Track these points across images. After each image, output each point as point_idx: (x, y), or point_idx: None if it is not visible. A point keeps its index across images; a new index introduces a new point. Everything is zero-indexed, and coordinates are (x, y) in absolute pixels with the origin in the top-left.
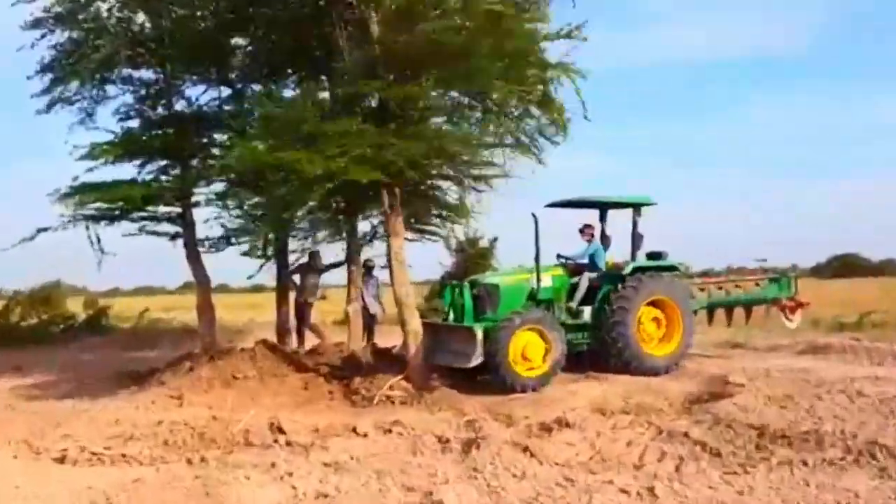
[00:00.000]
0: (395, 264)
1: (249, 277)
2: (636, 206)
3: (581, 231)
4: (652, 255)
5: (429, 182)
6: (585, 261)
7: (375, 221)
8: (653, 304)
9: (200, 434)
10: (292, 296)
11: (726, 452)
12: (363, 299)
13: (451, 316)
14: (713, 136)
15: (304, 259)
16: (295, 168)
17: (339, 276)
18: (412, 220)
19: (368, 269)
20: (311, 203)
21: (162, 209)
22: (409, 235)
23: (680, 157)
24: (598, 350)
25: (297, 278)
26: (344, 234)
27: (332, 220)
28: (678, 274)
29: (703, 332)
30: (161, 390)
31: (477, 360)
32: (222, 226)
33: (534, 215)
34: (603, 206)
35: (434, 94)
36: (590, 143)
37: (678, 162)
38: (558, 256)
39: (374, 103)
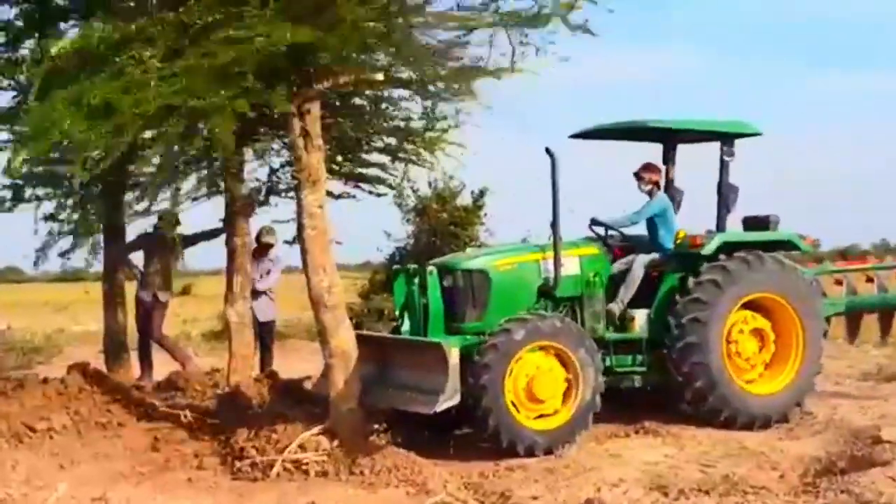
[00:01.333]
0: (311, 236)
1: (63, 255)
2: (726, 138)
3: (638, 176)
4: (752, 223)
5: (368, 92)
6: (641, 231)
7: (277, 162)
8: (753, 306)
9: None
10: (132, 290)
11: None
12: (253, 297)
13: (406, 325)
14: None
15: (150, 228)
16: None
17: (213, 257)
18: (340, 159)
19: (263, 246)
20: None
21: None
22: (335, 186)
23: (826, 52)
24: (659, 385)
25: (137, 260)
26: (222, 185)
27: (200, 160)
28: (797, 255)
29: (839, 353)
30: None
31: (448, 401)
32: (7, 167)
33: (549, 151)
34: (668, 138)
35: None
36: (669, 28)
37: (820, 59)
38: (592, 224)
39: None
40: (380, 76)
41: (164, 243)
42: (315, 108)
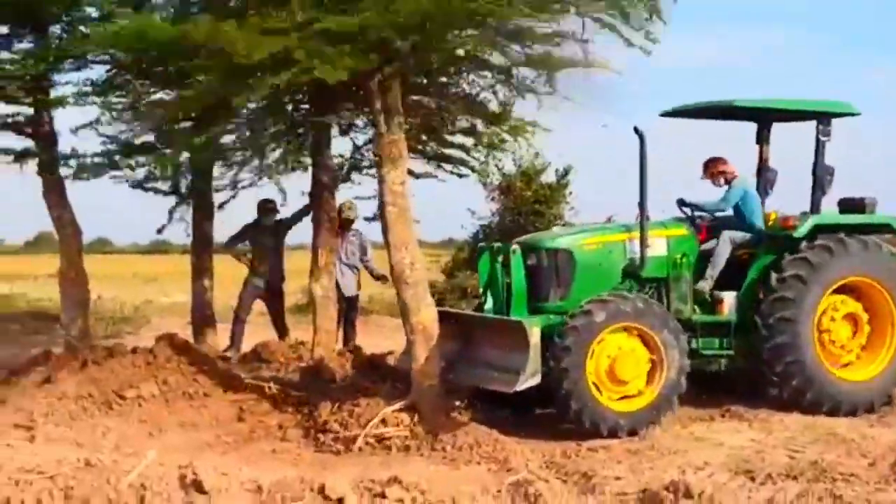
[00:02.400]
0: (392, 213)
1: (159, 230)
2: (823, 117)
3: (706, 173)
4: (848, 205)
5: (452, 70)
6: (728, 212)
7: (361, 139)
8: (846, 290)
9: (65, 490)
10: (219, 263)
11: None
12: (339, 272)
13: (490, 303)
14: None
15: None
16: (222, 49)
17: (296, 233)
18: (424, 139)
19: (345, 221)
20: (250, 104)
21: (1, 108)
22: (418, 166)
23: None
24: (746, 369)
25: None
26: (308, 160)
27: (286, 133)
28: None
29: None
30: None
31: (530, 380)
32: (101, 135)
33: (638, 130)
34: (762, 117)
35: None
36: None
37: None
38: (681, 204)
39: None
40: (461, 52)
41: (267, 230)
42: (396, 85)
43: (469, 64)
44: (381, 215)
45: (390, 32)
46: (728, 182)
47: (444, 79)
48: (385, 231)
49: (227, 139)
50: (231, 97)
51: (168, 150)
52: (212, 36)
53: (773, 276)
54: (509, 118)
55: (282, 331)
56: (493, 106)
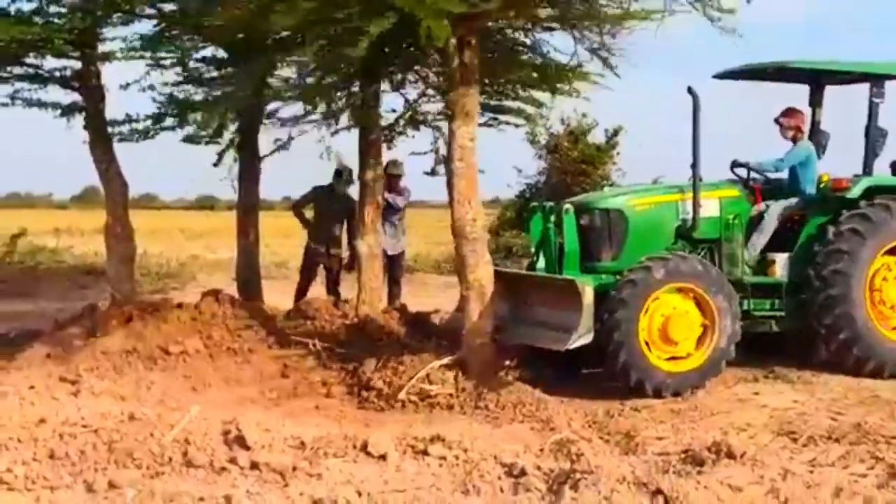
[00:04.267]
0: (460, 168)
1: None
2: (877, 79)
3: (779, 123)
4: None
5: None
6: (783, 175)
7: (413, 94)
8: None
9: (109, 444)
10: (265, 219)
11: None
12: (383, 230)
13: (541, 262)
14: None
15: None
16: None
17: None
18: (490, 93)
19: (391, 178)
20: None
21: (49, 63)
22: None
23: None
24: (797, 331)
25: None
26: (358, 115)
27: (339, 86)
28: None
29: None
30: (45, 369)
31: (582, 338)
32: (151, 90)
33: (692, 91)
34: (815, 79)
35: None
36: None
37: None
38: (734, 166)
39: None
40: (545, 13)
41: (338, 199)
42: (474, 42)
43: (538, 20)
44: (447, 169)
45: None
46: (795, 140)
47: (521, 35)
48: (450, 186)
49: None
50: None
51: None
52: None
53: (831, 229)
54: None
55: (336, 294)
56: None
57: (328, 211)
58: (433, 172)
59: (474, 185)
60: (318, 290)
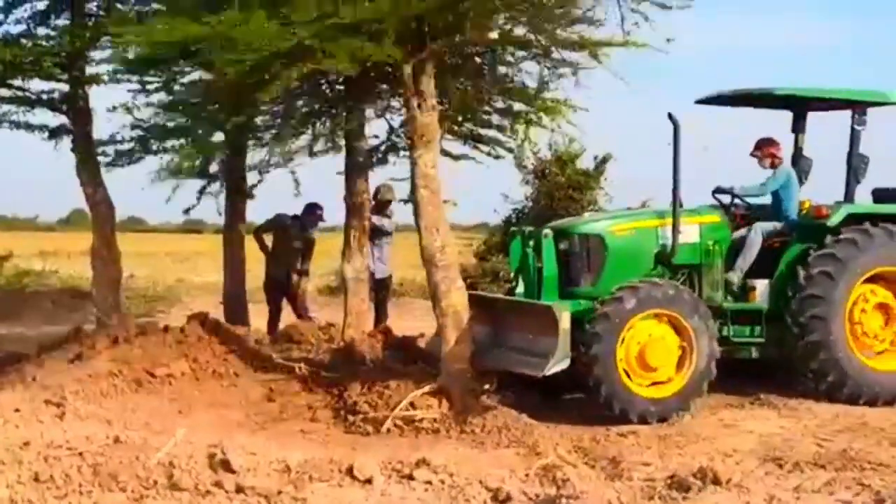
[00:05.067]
0: (424, 195)
1: (186, 211)
2: (858, 106)
3: (758, 151)
4: (883, 195)
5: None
6: (765, 200)
7: (397, 121)
8: (878, 279)
9: (94, 467)
10: (251, 243)
11: None
12: (370, 254)
13: (521, 287)
14: None
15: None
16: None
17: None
18: (460, 120)
19: (382, 203)
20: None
21: (37, 85)
22: (455, 147)
23: None
24: (777, 357)
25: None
26: (342, 141)
27: (321, 113)
28: None
29: None
30: (30, 392)
31: (558, 364)
32: (135, 119)
33: (672, 117)
34: (797, 106)
35: None
36: None
37: None
38: (717, 192)
39: None
40: (495, 35)
41: (302, 235)
42: (429, 68)
43: (504, 45)
44: (412, 198)
45: (409, 20)
46: (774, 166)
47: (479, 60)
48: (416, 213)
49: (260, 122)
50: (254, 90)
51: (201, 132)
52: (230, 30)
53: (801, 272)
54: (544, 98)
55: (301, 315)
56: (531, 82)
57: (286, 242)
58: (409, 200)
59: (440, 212)
60: (290, 317)
